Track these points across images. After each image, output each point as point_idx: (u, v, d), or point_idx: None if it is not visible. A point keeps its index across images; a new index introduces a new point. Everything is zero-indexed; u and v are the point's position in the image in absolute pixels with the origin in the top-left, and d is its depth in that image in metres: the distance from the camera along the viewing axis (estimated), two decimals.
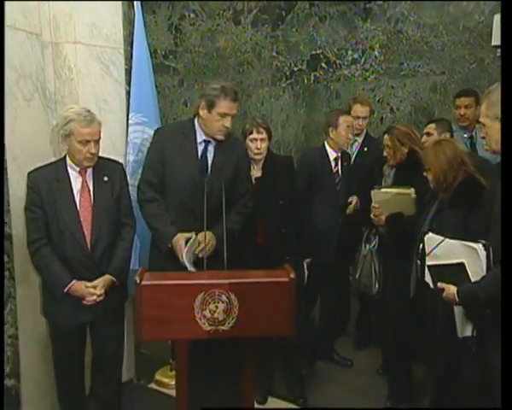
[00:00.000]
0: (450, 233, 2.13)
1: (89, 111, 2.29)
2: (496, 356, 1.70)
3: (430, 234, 2.08)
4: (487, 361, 1.95)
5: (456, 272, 1.90)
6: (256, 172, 2.71)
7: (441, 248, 1.98)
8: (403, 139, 2.67)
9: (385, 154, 2.77)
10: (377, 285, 2.89)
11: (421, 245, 2.25)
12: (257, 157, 2.66)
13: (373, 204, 2.70)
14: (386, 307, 2.83)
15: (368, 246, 2.95)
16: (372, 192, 2.71)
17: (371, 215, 2.71)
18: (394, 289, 2.68)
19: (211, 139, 2.44)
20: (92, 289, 2.23)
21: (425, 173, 2.30)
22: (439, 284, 1.96)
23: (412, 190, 2.55)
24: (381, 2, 4.17)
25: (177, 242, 2.32)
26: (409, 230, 2.43)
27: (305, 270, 2.86)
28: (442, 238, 1.99)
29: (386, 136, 2.77)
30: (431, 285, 2.07)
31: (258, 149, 2.62)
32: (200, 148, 2.45)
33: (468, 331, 2.20)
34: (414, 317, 2.49)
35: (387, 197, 2.65)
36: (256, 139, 2.62)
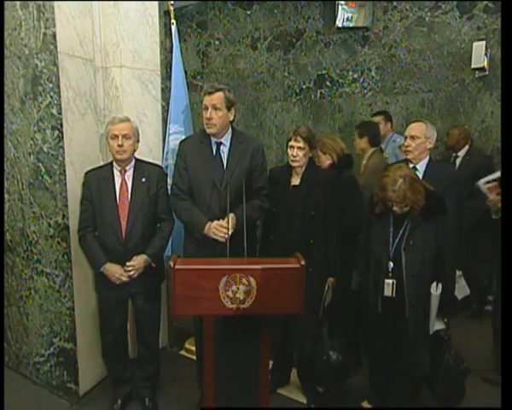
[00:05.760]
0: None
1: (124, 116, 2.31)
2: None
3: None
4: None
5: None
6: (295, 179, 2.41)
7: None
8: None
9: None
10: None
11: (390, 264, 2.11)
12: (293, 164, 2.36)
13: None
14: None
15: None
16: None
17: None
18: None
19: (222, 140, 2.31)
20: (121, 271, 2.24)
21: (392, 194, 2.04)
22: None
23: None
24: (376, 30, 4.16)
25: (208, 227, 2.20)
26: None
27: (326, 288, 2.34)
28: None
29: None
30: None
31: (293, 156, 2.33)
32: (214, 149, 2.31)
33: (439, 325, 2.14)
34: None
35: None
36: (293, 147, 2.33)
